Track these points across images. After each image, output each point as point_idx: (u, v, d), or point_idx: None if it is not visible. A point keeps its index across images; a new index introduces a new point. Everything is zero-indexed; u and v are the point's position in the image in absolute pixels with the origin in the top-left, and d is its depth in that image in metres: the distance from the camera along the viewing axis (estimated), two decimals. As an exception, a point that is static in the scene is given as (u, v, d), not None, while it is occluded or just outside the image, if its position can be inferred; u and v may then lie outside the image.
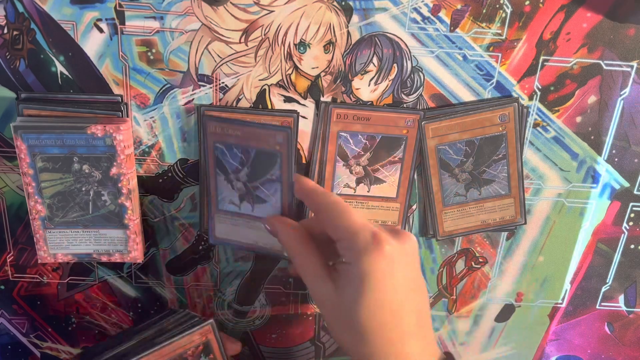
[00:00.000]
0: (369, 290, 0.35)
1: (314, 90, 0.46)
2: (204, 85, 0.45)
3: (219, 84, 0.45)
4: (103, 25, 0.43)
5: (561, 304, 0.54)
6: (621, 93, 0.46)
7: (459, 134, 0.47)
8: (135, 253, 0.47)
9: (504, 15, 0.44)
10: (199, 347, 0.41)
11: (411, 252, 0.38)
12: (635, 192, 0.50)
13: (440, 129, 0.46)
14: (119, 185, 0.44)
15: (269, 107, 0.46)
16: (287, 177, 0.42)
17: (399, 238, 0.37)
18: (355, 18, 0.43)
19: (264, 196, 0.44)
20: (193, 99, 0.45)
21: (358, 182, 0.48)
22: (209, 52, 0.44)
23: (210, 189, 0.46)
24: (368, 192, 0.48)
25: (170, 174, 0.48)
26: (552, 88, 0.46)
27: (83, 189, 0.44)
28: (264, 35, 0.44)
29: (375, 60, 0.45)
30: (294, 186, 0.41)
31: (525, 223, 0.50)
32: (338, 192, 0.48)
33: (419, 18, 0.44)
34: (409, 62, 0.45)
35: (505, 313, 0.54)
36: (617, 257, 0.52)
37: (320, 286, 0.37)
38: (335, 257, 0.39)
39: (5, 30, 0.43)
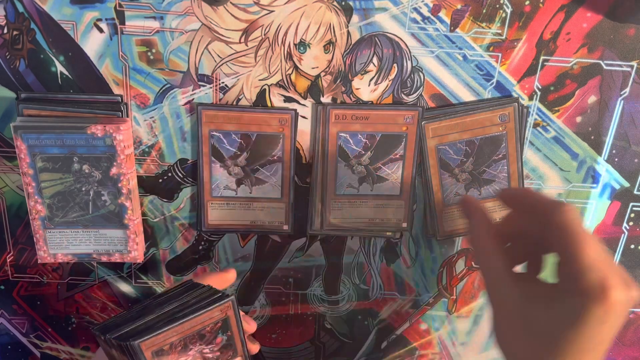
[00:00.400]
0: (568, 328, 0.33)
1: (314, 90, 0.46)
2: (204, 85, 0.45)
3: (219, 84, 0.45)
4: (103, 25, 0.43)
5: (561, 304, 0.54)
6: (621, 93, 0.46)
7: (459, 133, 0.47)
8: (135, 253, 0.47)
9: (504, 15, 0.44)
10: (218, 324, 0.40)
11: (630, 305, 0.34)
12: (635, 192, 0.50)
13: (441, 129, 0.46)
14: (119, 185, 0.44)
15: (269, 107, 0.46)
16: (290, 157, 0.45)
17: (627, 289, 0.33)
18: (355, 18, 0.43)
19: (264, 177, 0.46)
20: (193, 99, 0.45)
21: (361, 181, 0.48)
22: (209, 52, 0.44)
23: (204, 178, 0.46)
24: (371, 191, 0.48)
25: (170, 174, 0.48)
26: (552, 88, 0.46)
27: (83, 189, 0.44)
28: (264, 35, 0.44)
29: (375, 60, 0.45)
30: (514, 196, 0.39)
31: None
32: (341, 193, 0.48)
33: (419, 18, 0.44)
34: (409, 62, 0.45)
35: (505, 313, 0.54)
36: (617, 257, 0.52)
37: (503, 290, 0.36)
38: (518, 261, 0.39)
39: (5, 30, 0.43)
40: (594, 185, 0.49)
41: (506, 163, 0.48)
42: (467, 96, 0.46)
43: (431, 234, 0.49)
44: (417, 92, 0.46)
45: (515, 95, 0.46)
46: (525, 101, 0.46)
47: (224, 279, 0.47)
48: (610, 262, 0.34)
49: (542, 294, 0.35)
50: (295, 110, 0.46)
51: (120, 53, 0.44)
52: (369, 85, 0.46)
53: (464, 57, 0.45)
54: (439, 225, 0.49)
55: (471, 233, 0.39)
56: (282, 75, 0.45)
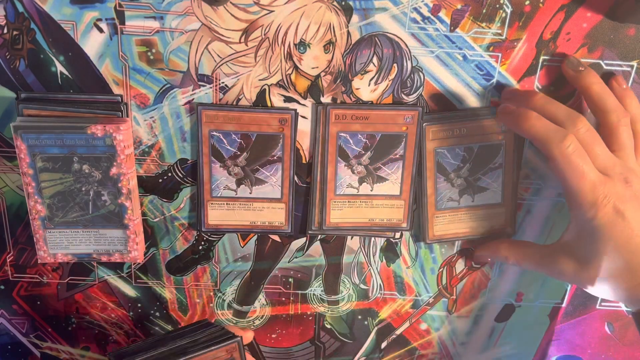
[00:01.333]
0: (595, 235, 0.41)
1: (314, 90, 0.46)
2: (204, 85, 0.45)
3: (219, 84, 0.45)
4: (103, 25, 0.43)
5: (561, 303, 0.54)
6: (621, 93, 0.46)
7: (458, 139, 0.47)
8: (135, 253, 0.47)
9: (504, 15, 0.44)
10: None
11: (632, 199, 0.41)
12: (635, 192, 0.50)
13: (441, 132, 0.46)
14: (119, 185, 0.44)
15: (269, 106, 0.46)
16: (290, 157, 0.45)
17: (628, 185, 0.40)
18: (355, 18, 0.43)
19: (264, 177, 0.46)
20: (193, 99, 0.45)
21: (361, 181, 0.48)
22: (209, 52, 0.44)
23: (203, 178, 0.46)
24: (371, 191, 0.48)
25: (170, 174, 0.48)
26: (552, 88, 0.46)
27: (83, 189, 0.44)
28: (264, 35, 0.44)
29: (375, 60, 0.45)
30: (522, 123, 0.42)
31: (515, 233, 0.50)
32: (341, 193, 0.48)
33: (419, 18, 0.44)
34: (409, 62, 0.45)
35: (505, 313, 0.54)
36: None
37: (557, 266, 0.44)
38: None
39: (5, 30, 0.43)
40: (594, 185, 0.49)
41: (502, 172, 0.48)
42: (467, 96, 0.46)
43: (421, 237, 0.50)
44: (417, 92, 0.46)
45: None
46: (525, 101, 0.46)
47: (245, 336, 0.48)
48: (606, 168, 0.40)
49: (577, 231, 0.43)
50: (295, 110, 0.46)
51: (120, 53, 0.44)
52: (369, 85, 0.46)
53: (464, 57, 0.45)
54: (429, 229, 0.49)
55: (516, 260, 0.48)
56: (282, 75, 0.45)
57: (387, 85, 0.46)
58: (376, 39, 0.44)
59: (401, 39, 0.44)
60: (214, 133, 0.46)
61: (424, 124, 0.46)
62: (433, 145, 0.47)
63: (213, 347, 0.42)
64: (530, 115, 0.41)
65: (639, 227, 0.40)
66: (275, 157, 0.47)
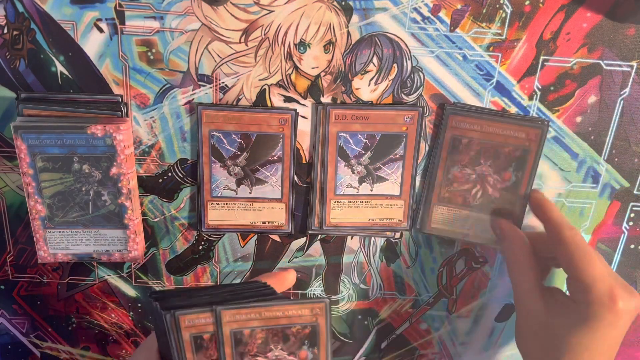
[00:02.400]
0: (585, 334, 0.38)
1: (314, 90, 0.46)
2: (204, 85, 0.45)
3: (219, 84, 0.45)
4: (103, 25, 0.43)
5: (561, 304, 0.54)
6: (621, 93, 0.46)
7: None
8: (135, 253, 0.47)
9: (504, 15, 0.44)
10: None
11: (634, 314, 0.39)
12: (635, 192, 0.50)
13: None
14: (119, 185, 0.44)
15: (269, 106, 0.46)
16: (290, 157, 0.46)
17: (631, 296, 0.39)
18: (355, 18, 0.43)
19: (264, 177, 0.46)
20: (193, 99, 0.45)
21: (360, 181, 0.48)
22: (209, 52, 0.44)
23: (203, 178, 0.46)
24: (371, 191, 0.48)
25: (170, 174, 0.48)
26: (552, 88, 0.46)
27: (83, 188, 0.44)
28: (264, 35, 0.44)
29: (375, 60, 0.45)
30: (539, 203, 0.44)
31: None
32: (341, 192, 0.48)
33: (419, 18, 0.44)
34: (409, 62, 0.45)
35: (505, 313, 0.54)
36: (617, 257, 0.52)
37: (531, 302, 0.42)
38: (544, 274, 0.47)
39: (5, 30, 0.43)
40: (594, 185, 0.49)
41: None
42: (467, 96, 0.46)
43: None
44: (417, 92, 0.46)
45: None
46: (525, 101, 0.46)
47: (284, 280, 0.44)
48: (614, 275, 0.40)
49: (561, 305, 0.40)
50: (295, 110, 0.46)
51: (120, 53, 0.44)
52: (369, 85, 0.46)
53: (464, 57, 0.45)
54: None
55: (508, 250, 0.44)
56: (282, 75, 0.45)
57: (387, 85, 0.46)
58: (376, 39, 0.44)
59: (401, 39, 0.44)
60: (214, 133, 0.46)
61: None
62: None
63: (299, 302, 0.36)
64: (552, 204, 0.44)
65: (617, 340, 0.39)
66: (275, 157, 0.47)
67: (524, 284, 0.43)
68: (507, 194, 0.47)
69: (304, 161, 0.48)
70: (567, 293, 0.43)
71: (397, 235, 0.50)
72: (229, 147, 0.46)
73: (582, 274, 0.39)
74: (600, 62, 0.46)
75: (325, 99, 0.46)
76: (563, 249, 0.40)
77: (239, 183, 0.47)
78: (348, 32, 0.44)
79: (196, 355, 0.35)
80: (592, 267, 0.39)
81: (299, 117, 0.46)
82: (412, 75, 0.45)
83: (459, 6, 0.44)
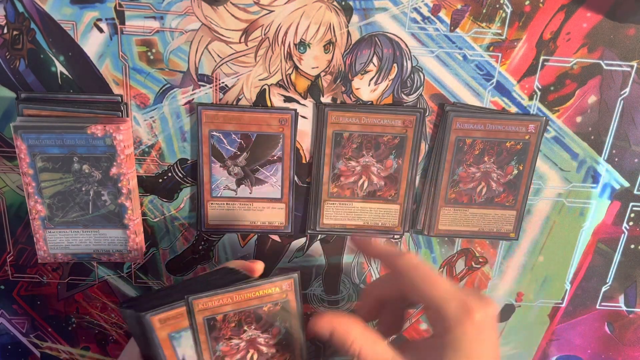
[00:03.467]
0: (456, 358, 0.34)
1: (314, 90, 0.46)
2: (204, 85, 0.45)
3: (219, 84, 0.45)
4: (103, 25, 0.43)
5: (561, 304, 0.54)
6: (621, 93, 0.46)
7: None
8: (135, 253, 0.47)
9: (504, 15, 0.44)
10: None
11: (494, 317, 0.37)
12: (635, 192, 0.50)
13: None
14: (119, 185, 0.44)
15: (269, 106, 0.46)
16: (290, 157, 0.46)
17: (484, 304, 0.36)
18: (355, 18, 0.43)
19: (264, 177, 0.47)
20: (193, 99, 0.45)
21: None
22: (209, 52, 0.44)
23: (203, 178, 0.46)
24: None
25: (170, 174, 0.48)
26: (552, 88, 0.46)
27: (83, 188, 0.44)
28: (264, 35, 0.44)
29: (375, 60, 0.45)
30: (367, 248, 0.41)
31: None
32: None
33: (419, 18, 0.44)
34: (409, 62, 0.45)
35: (505, 313, 0.54)
36: (617, 257, 0.52)
37: None
38: (403, 307, 0.40)
39: (5, 30, 0.43)
40: (594, 185, 0.49)
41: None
42: (467, 96, 0.46)
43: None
44: (417, 92, 0.46)
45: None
46: (525, 101, 0.46)
47: (251, 269, 0.43)
48: (462, 289, 0.36)
49: (426, 352, 0.35)
50: (295, 110, 0.46)
51: (120, 53, 0.44)
52: (368, 85, 0.46)
53: (464, 57, 0.45)
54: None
55: (347, 342, 0.37)
56: (282, 75, 0.45)
57: (387, 85, 0.46)
58: (376, 39, 0.44)
59: (401, 39, 0.44)
60: (214, 133, 0.46)
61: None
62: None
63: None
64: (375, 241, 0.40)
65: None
66: (275, 157, 0.47)
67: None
68: (508, 187, 0.48)
69: (304, 161, 0.48)
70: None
71: (397, 235, 0.50)
72: (229, 147, 0.46)
73: (429, 299, 0.35)
74: (600, 62, 0.46)
75: (325, 98, 0.46)
76: (403, 279, 0.37)
77: (239, 183, 0.47)
78: (348, 32, 0.44)
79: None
80: (437, 288, 0.35)
81: (299, 117, 0.46)
82: (412, 75, 0.45)
83: (459, 6, 0.44)
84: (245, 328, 0.37)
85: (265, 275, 0.52)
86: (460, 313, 0.34)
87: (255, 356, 0.38)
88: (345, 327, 0.36)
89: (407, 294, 0.37)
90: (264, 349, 0.39)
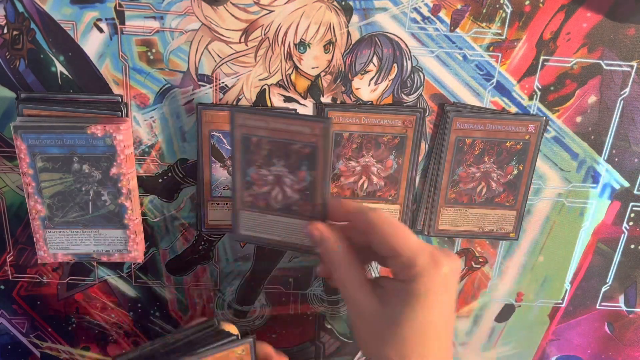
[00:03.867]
0: (421, 308, 0.36)
1: (314, 90, 0.46)
2: (204, 85, 0.45)
3: (219, 84, 0.45)
4: (103, 25, 0.43)
5: (561, 304, 0.54)
6: (621, 93, 0.46)
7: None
8: (135, 253, 0.47)
9: (504, 15, 0.44)
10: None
11: (458, 273, 0.39)
12: (635, 192, 0.50)
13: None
14: (119, 185, 0.44)
15: (269, 107, 0.46)
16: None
17: (451, 259, 0.38)
18: (355, 18, 0.43)
19: None
20: (193, 99, 0.45)
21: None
22: (209, 52, 0.44)
23: (204, 178, 0.46)
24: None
25: (170, 174, 0.48)
26: (552, 88, 0.46)
27: (83, 189, 0.44)
28: (264, 35, 0.44)
29: (375, 60, 0.45)
30: (337, 209, 0.41)
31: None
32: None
33: (419, 18, 0.44)
34: (409, 62, 0.45)
35: (505, 313, 0.54)
36: (617, 257, 0.52)
37: (362, 300, 0.38)
38: (368, 262, 0.41)
39: (5, 30, 0.43)
40: (594, 185, 0.49)
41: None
42: (467, 96, 0.46)
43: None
44: (417, 92, 0.46)
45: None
46: (525, 101, 0.46)
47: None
48: (426, 243, 0.38)
49: (391, 291, 0.38)
50: (295, 109, 0.46)
51: (120, 53, 0.44)
52: (368, 85, 0.46)
53: (464, 57, 0.45)
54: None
55: (325, 256, 0.40)
56: (282, 75, 0.45)
57: (387, 85, 0.46)
58: (376, 39, 0.44)
59: (401, 39, 0.44)
60: (214, 133, 0.46)
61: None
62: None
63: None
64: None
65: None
66: None
67: (348, 284, 0.39)
68: (508, 186, 0.48)
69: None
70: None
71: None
72: (229, 147, 0.46)
73: (400, 250, 0.37)
74: (600, 62, 0.46)
75: (325, 99, 0.46)
76: (374, 231, 0.38)
77: None
78: (348, 32, 0.44)
79: None
80: (407, 240, 0.37)
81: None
82: (412, 75, 0.45)
83: (459, 6, 0.44)
84: (275, 161, 0.39)
85: (266, 274, 0.52)
86: (429, 264, 0.36)
87: (280, 196, 0.40)
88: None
89: (376, 247, 0.38)
90: (289, 191, 0.40)
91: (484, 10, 0.44)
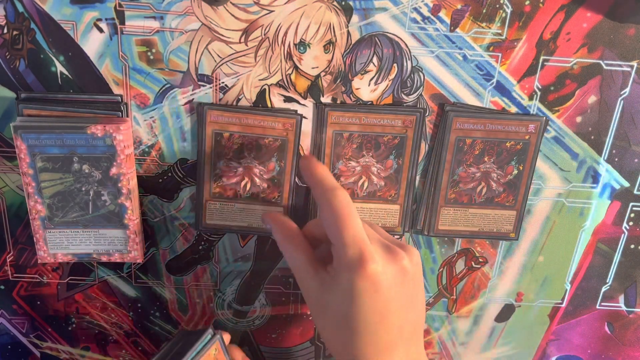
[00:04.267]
0: (342, 301, 0.36)
1: (314, 90, 0.46)
2: (204, 85, 0.45)
3: (219, 84, 0.45)
4: (103, 25, 0.43)
5: (561, 304, 0.54)
6: (621, 93, 0.46)
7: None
8: (135, 253, 0.47)
9: (504, 15, 0.44)
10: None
11: (405, 270, 0.37)
12: (635, 192, 0.50)
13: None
14: (119, 185, 0.44)
15: (269, 107, 0.46)
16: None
17: (393, 256, 0.37)
18: (355, 18, 0.43)
19: None
20: (193, 99, 0.45)
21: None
22: (209, 52, 0.44)
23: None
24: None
25: (170, 174, 0.48)
26: (552, 88, 0.46)
27: (83, 188, 0.44)
28: (264, 35, 0.44)
29: (375, 60, 0.45)
30: (304, 168, 0.40)
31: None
32: None
33: (419, 18, 0.44)
34: (409, 62, 0.45)
35: (505, 313, 0.54)
36: (617, 257, 0.52)
37: (306, 281, 0.39)
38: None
39: (5, 30, 0.43)
40: (594, 185, 0.49)
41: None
42: (467, 96, 0.46)
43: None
44: (417, 92, 0.46)
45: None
46: (525, 101, 0.46)
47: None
48: (368, 238, 0.36)
49: (330, 278, 0.37)
50: (301, 115, 0.46)
51: (120, 53, 0.44)
52: (369, 85, 0.46)
53: (464, 57, 0.45)
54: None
55: (277, 236, 0.41)
56: (282, 75, 0.45)
57: (387, 85, 0.46)
58: (376, 39, 0.44)
59: (401, 39, 0.44)
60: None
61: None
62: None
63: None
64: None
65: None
66: None
67: (296, 264, 0.39)
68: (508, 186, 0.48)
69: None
70: None
71: (397, 235, 0.50)
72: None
73: (336, 238, 0.36)
74: (600, 62, 0.46)
75: (325, 99, 0.46)
76: (322, 213, 0.37)
77: None
78: (348, 32, 0.44)
79: None
80: (346, 230, 0.35)
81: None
82: (412, 75, 0.45)
83: (459, 6, 0.44)
84: (246, 154, 0.40)
85: (266, 274, 0.52)
86: (355, 261, 0.35)
87: (249, 185, 0.41)
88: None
89: (326, 230, 0.38)
90: (257, 180, 0.41)
91: (484, 10, 0.44)
